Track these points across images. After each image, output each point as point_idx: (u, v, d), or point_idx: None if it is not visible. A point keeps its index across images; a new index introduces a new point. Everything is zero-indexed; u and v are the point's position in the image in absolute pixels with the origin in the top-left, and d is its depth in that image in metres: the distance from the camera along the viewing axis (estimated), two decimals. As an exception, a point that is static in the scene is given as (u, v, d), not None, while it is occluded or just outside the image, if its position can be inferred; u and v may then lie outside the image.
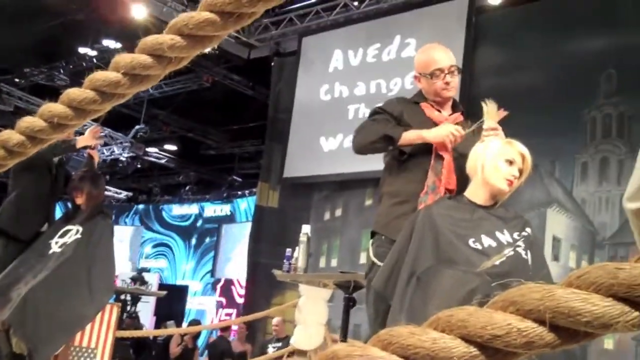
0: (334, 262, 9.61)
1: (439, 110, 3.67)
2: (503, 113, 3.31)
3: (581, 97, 7.96)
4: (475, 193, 3.17)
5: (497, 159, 3.14)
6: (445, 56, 3.66)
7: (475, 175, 3.19)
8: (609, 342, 7.00)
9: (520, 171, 3.14)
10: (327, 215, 9.83)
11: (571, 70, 8.05)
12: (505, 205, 3.19)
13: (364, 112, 9.00)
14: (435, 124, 3.56)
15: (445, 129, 3.44)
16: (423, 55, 3.74)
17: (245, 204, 16.67)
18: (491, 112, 3.30)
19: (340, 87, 9.93)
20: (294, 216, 9.71)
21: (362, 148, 3.57)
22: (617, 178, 7.70)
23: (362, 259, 8.45)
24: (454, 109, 3.74)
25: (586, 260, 7.55)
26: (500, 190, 3.13)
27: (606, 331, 0.50)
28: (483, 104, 3.32)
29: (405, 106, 3.65)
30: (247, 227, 12.59)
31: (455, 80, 3.66)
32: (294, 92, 10.59)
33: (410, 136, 3.46)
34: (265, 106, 11.88)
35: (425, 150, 3.51)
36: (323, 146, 9.80)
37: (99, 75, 0.73)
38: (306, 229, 5.57)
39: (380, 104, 3.71)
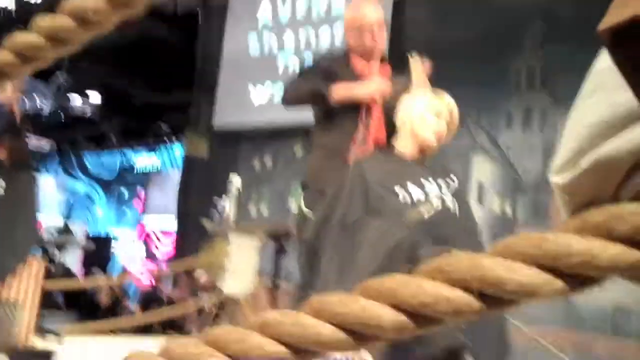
0: (264, 212, 9.64)
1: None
2: (428, 66, 3.34)
3: (508, 48, 8.08)
4: (404, 146, 3.20)
5: (425, 112, 3.17)
6: (373, 11, 3.70)
7: (404, 128, 3.22)
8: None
9: (448, 125, 3.19)
10: (257, 166, 9.80)
11: (499, 21, 8.14)
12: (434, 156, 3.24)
13: (294, 63, 8.94)
14: (364, 78, 3.58)
15: (375, 85, 3.48)
16: (351, 10, 3.81)
17: (173, 154, 16.48)
18: (417, 67, 3.33)
19: (269, 38, 9.82)
20: (223, 167, 9.63)
21: (291, 104, 3.65)
22: (541, 126, 7.90)
23: (293, 209, 8.49)
24: (383, 63, 3.78)
25: (509, 205, 7.77)
26: (428, 142, 3.16)
27: (531, 299, 0.51)
28: (409, 58, 3.36)
29: (333, 61, 3.71)
30: (175, 177, 12.47)
31: (382, 35, 3.70)
32: (222, 43, 10.42)
33: (340, 92, 3.49)
34: (193, 56, 11.68)
35: (355, 103, 3.54)
36: (252, 96, 9.71)
37: (19, 38, 0.70)
38: (236, 179, 5.57)
39: (309, 60, 3.76)
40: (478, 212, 6.69)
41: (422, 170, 3.08)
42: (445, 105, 3.18)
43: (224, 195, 5.61)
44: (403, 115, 3.23)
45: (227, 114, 9.99)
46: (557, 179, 0.58)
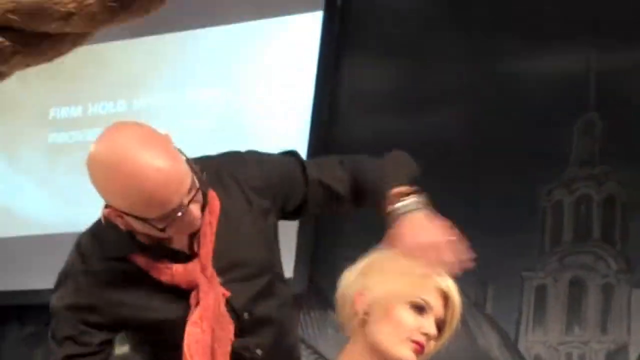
0: None
1: (174, 259, 1.74)
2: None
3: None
4: None
5: (396, 303, 1.68)
6: (159, 203, 1.62)
7: (353, 335, 1.73)
8: None
9: (441, 323, 1.71)
10: None
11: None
12: None
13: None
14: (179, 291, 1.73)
15: None
16: (115, 195, 1.65)
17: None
18: None
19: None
20: None
21: None
22: (600, 322, 4.06)
23: None
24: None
25: None
26: None
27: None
28: None
29: (93, 274, 1.75)
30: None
31: (195, 210, 1.67)
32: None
33: None
34: None
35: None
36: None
37: None
38: None
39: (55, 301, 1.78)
40: None
41: None
42: (432, 287, 1.69)
43: None
44: (349, 307, 1.71)
45: None
46: None
